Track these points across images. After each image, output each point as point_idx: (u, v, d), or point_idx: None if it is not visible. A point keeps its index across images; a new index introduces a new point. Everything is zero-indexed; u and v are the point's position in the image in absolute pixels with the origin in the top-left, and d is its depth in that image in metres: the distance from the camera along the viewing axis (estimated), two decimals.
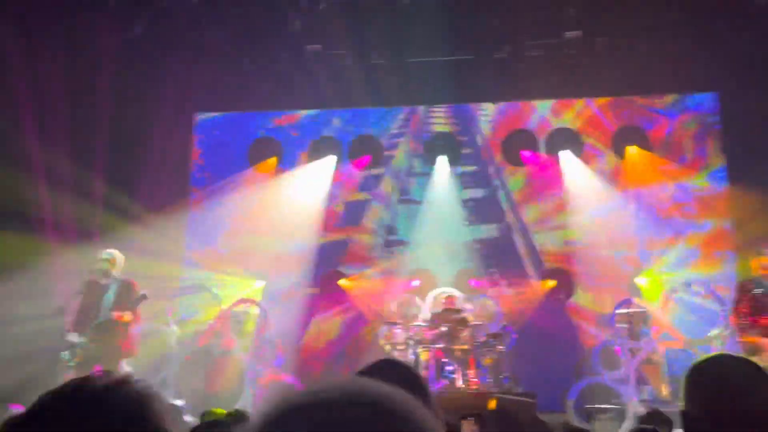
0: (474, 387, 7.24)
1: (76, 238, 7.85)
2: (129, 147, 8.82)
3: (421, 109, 10.00)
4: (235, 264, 9.31)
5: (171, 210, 8.94)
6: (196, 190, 9.85)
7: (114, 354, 5.97)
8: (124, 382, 1.00)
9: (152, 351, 7.25)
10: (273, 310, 8.64)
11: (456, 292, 8.72)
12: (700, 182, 9.01)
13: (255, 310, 8.59)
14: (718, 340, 6.89)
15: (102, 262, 6.25)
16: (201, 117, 10.13)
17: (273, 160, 10.02)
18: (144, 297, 6.14)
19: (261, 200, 9.69)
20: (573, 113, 9.55)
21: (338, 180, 9.88)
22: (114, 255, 6.34)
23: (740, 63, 8.38)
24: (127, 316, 6.07)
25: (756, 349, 5.34)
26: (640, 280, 8.35)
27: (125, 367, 5.98)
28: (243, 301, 8.64)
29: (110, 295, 6.19)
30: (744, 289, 5.50)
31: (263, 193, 9.74)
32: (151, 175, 8.85)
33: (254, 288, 9.23)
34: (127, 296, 6.18)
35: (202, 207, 9.63)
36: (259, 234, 9.40)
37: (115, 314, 6.05)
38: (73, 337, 5.95)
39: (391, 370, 1.71)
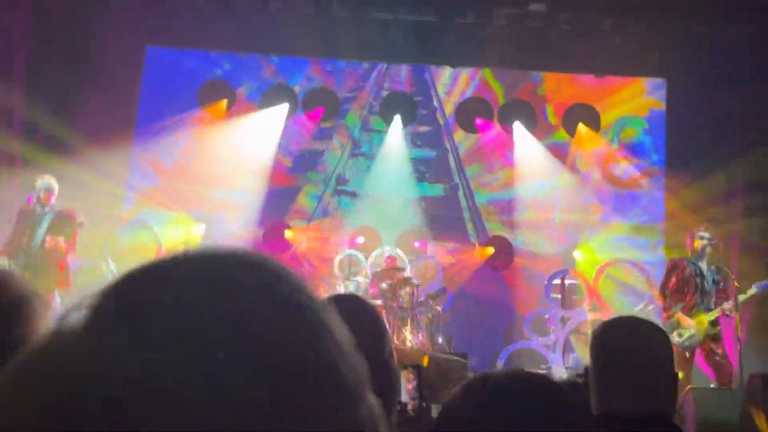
0: (409, 344, 7.40)
1: (11, 166, 7.49)
2: (73, 75, 8.38)
3: (379, 66, 9.89)
4: (178, 205, 9.10)
5: (114, 143, 8.60)
6: (142, 126, 9.49)
7: (47, 283, 5.77)
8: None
9: (87, 286, 7.05)
10: None
11: (399, 252, 8.83)
12: (641, 165, 9.35)
13: None
14: (645, 313, 7.26)
15: (38, 191, 6.00)
16: (152, 50, 9.70)
17: (223, 103, 9.75)
18: (81, 224, 5.95)
19: (209, 143, 9.47)
20: (530, 86, 9.66)
21: (290, 129, 9.73)
22: (51, 184, 6.09)
23: (689, 53, 8.65)
24: (62, 244, 5.87)
25: (678, 326, 5.66)
26: (577, 254, 8.67)
27: (58, 299, 5.80)
28: (184, 244, 8.48)
29: (45, 224, 5.97)
30: (675, 266, 5.79)
31: (212, 136, 9.51)
32: (95, 106, 8.46)
33: (195, 231, 9.06)
34: (64, 226, 5.98)
35: (147, 143, 9.31)
36: (204, 177, 9.20)
37: (49, 241, 5.85)
38: (3, 261, 5.72)
39: (347, 303, 1.69)
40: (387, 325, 1.66)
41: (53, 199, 6.06)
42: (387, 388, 1.65)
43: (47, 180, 6.09)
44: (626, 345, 1.72)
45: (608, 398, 1.68)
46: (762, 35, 8.12)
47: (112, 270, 7.84)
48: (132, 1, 8.53)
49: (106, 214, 8.05)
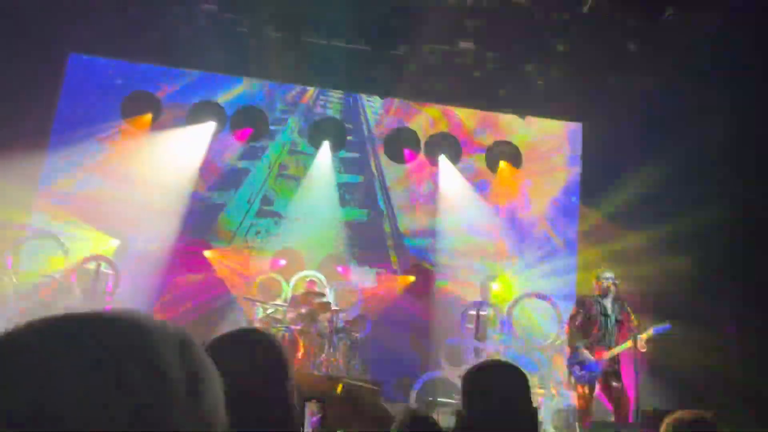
0: (325, 370, 7.35)
1: None
2: None
3: (311, 90, 9.93)
4: (92, 219, 8.74)
5: (26, 150, 8.20)
6: (58, 134, 9.09)
7: None
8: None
9: None
10: (128, 272, 8.22)
11: (320, 277, 8.79)
12: (557, 202, 9.77)
13: (107, 269, 8.13)
14: (553, 347, 7.52)
15: None
16: (75, 57, 9.36)
17: (148, 117, 9.49)
18: None
19: (130, 156, 9.17)
20: (456, 120, 9.94)
21: (216, 147, 9.57)
22: None
23: (605, 99, 9.18)
24: None
25: (579, 360, 5.89)
26: (494, 285, 8.90)
27: None
28: (95, 258, 8.13)
29: None
30: (581, 304, 6.06)
31: (133, 150, 9.22)
32: (7, 110, 8.04)
33: (108, 246, 8.71)
34: None
35: (62, 153, 8.91)
36: (123, 191, 8.89)
37: None
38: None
39: (249, 339, 1.70)
40: (288, 362, 1.67)
41: None
42: (286, 422, 1.65)
43: None
44: (489, 389, 1.84)
45: None
46: (667, 87, 8.70)
47: (12, 281, 7.40)
48: (59, 5, 8.21)
49: (11, 222, 7.64)
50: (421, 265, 9.58)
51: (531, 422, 1.86)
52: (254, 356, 1.61)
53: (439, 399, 7.69)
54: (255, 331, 1.77)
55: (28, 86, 8.31)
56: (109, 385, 0.47)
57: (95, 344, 0.50)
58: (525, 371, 1.95)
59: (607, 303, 5.99)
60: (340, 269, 9.39)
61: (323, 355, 7.53)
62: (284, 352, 1.73)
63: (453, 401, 7.66)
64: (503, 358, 8.20)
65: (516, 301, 7.73)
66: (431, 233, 9.65)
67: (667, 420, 2.57)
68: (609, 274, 5.97)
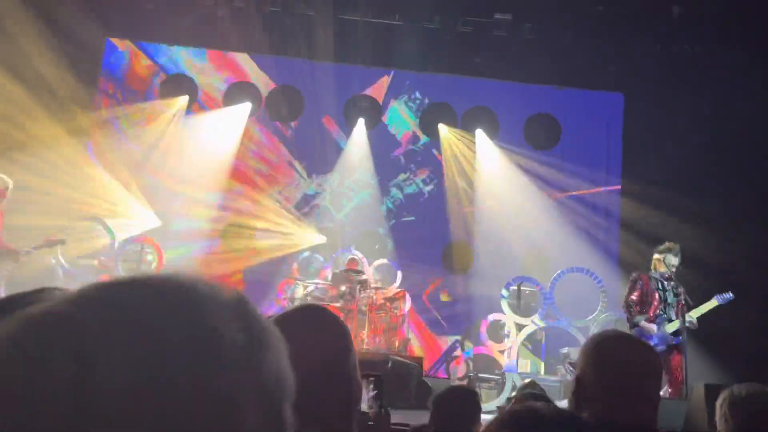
0: (366, 347, 7.40)
1: None
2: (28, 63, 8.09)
3: (346, 67, 9.84)
4: (134, 200, 8.89)
5: (68, 134, 8.35)
6: (98, 116, 9.25)
7: None
8: None
9: (38, 283, 6.80)
10: (168, 253, 8.36)
11: (359, 254, 8.81)
12: (599, 176, 9.55)
13: (150, 250, 8.27)
14: (596, 322, 7.42)
15: None
16: (112, 42, 9.46)
17: (184, 98, 9.56)
18: (62, 242, 5.87)
19: (168, 138, 9.27)
20: (492, 93, 9.75)
21: (252, 126, 9.62)
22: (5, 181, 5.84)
23: (647, 68, 8.91)
24: None
25: (641, 336, 5.73)
26: (534, 261, 8.78)
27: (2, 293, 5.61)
28: (139, 239, 8.29)
29: None
30: (638, 279, 5.89)
31: (171, 131, 9.33)
32: (51, 93, 8.18)
33: (150, 227, 8.85)
34: None
35: (103, 137, 9.06)
36: (163, 172, 9.01)
37: None
38: None
39: (313, 315, 1.70)
40: (352, 338, 1.68)
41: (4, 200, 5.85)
42: (350, 398, 1.66)
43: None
44: (625, 359, 1.79)
45: (602, 407, 1.74)
46: (708, 55, 8.42)
47: (61, 262, 7.56)
48: None
49: (59, 206, 7.82)
50: (461, 241, 9.51)
51: (657, 398, 1.79)
52: (320, 333, 1.61)
53: (480, 374, 7.68)
54: (319, 307, 1.77)
55: (68, 71, 8.42)
56: (146, 348, 0.44)
57: (132, 306, 0.46)
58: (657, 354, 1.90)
59: (665, 275, 5.80)
60: (378, 247, 9.40)
61: (364, 332, 7.58)
62: (347, 329, 1.73)
63: (494, 377, 7.64)
64: (544, 334, 8.14)
65: (558, 277, 7.63)
66: (471, 208, 9.55)
67: (723, 394, 2.51)
68: (674, 261, 5.72)
